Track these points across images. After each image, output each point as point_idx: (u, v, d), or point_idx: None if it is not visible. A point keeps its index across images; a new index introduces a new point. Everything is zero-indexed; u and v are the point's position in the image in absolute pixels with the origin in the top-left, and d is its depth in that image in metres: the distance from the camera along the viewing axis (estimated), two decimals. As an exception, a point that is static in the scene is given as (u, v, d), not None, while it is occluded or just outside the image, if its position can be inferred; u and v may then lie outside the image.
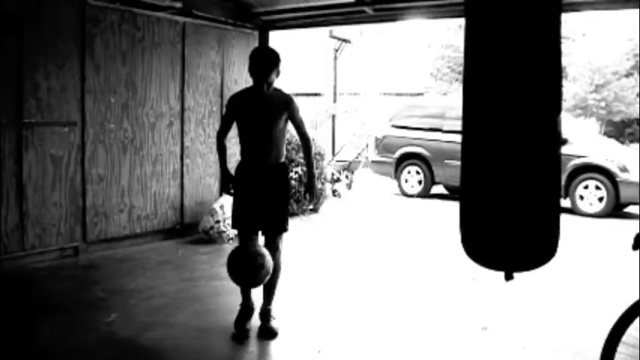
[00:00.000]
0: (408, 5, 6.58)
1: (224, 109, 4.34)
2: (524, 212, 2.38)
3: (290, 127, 4.04)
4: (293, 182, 8.43)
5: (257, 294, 4.03)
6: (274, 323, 3.94)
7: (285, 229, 3.93)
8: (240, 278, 3.72)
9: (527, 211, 2.38)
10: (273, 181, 3.87)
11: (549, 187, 2.42)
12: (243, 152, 3.94)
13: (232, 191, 3.96)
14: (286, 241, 3.98)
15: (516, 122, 2.34)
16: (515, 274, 2.52)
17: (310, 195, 4.07)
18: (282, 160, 3.93)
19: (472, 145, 2.47)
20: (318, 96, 19.71)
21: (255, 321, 3.99)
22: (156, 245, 6.48)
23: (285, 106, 3.83)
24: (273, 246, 3.90)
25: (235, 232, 6.63)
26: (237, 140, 3.95)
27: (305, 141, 4.02)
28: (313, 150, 4.07)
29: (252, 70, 3.76)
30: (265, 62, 3.75)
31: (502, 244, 2.43)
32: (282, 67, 3.83)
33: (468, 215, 2.51)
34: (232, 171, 4.01)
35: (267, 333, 3.88)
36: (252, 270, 3.63)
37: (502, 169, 2.37)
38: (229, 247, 6.55)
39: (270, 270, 3.69)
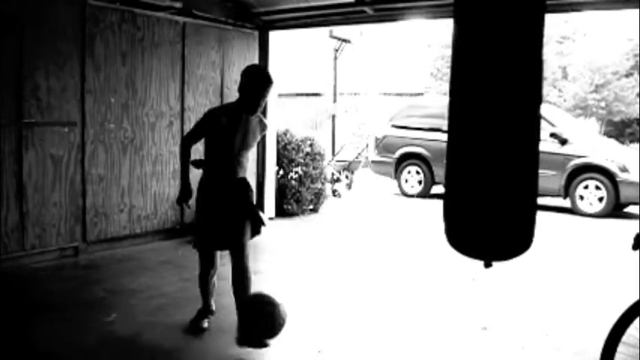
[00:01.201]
0: (408, 5, 6.59)
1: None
2: (502, 204, 2.44)
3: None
4: (293, 182, 8.43)
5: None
6: None
7: (245, 238, 3.76)
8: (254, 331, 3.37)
9: (505, 202, 2.44)
10: (234, 193, 3.77)
11: (526, 180, 2.46)
12: (210, 168, 3.80)
13: (189, 205, 3.85)
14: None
15: (494, 114, 2.40)
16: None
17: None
18: (245, 174, 3.86)
19: (454, 140, 2.53)
20: (318, 96, 19.73)
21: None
22: (156, 245, 6.48)
23: (262, 128, 3.86)
24: (238, 254, 3.74)
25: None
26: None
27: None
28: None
29: (254, 93, 3.61)
30: (266, 91, 3.64)
31: (480, 234, 2.50)
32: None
33: (449, 206, 2.59)
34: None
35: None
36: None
37: (481, 162, 2.43)
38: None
39: (285, 319, 3.36)
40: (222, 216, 3.75)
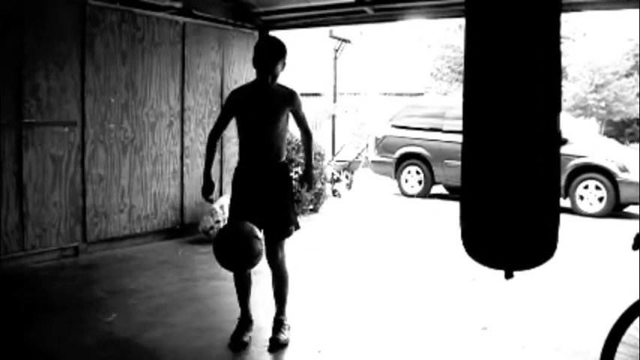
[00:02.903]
0: (408, 5, 6.59)
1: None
2: (524, 211, 2.39)
3: (288, 128, 3.94)
4: (293, 182, 8.41)
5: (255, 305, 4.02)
6: (283, 336, 3.74)
7: (288, 234, 3.75)
8: (229, 259, 3.46)
9: (527, 209, 2.39)
10: (275, 182, 3.72)
11: (549, 186, 2.43)
12: (242, 151, 3.75)
13: (212, 199, 3.84)
14: (286, 240, 3.92)
15: (516, 121, 2.36)
16: (515, 273, 2.53)
17: (308, 184, 3.97)
18: (284, 159, 3.78)
19: (472, 145, 2.47)
20: (318, 96, 19.74)
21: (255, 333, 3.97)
22: (156, 245, 6.48)
23: (289, 100, 3.68)
24: (273, 253, 3.71)
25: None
26: (237, 140, 3.86)
27: (307, 134, 3.90)
28: (313, 148, 3.98)
29: (257, 61, 3.55)
30: (271, 52, 3.55)
31: (502, 243, 2.44)
32: (287, 59, 3.64)
33: (468, 214, 2.51)
34: (232, 171, 3.89)
35: (276, 345, 3.70)
36: (242, 249, 3.40)
37: (502, 167, 2.39)
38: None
39: (261, 253, 3.45)
40: (259, 203, 3.67)
